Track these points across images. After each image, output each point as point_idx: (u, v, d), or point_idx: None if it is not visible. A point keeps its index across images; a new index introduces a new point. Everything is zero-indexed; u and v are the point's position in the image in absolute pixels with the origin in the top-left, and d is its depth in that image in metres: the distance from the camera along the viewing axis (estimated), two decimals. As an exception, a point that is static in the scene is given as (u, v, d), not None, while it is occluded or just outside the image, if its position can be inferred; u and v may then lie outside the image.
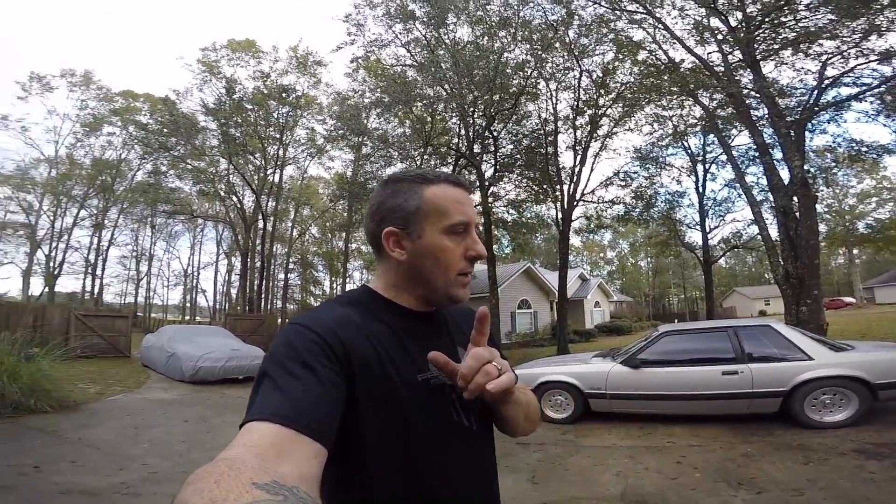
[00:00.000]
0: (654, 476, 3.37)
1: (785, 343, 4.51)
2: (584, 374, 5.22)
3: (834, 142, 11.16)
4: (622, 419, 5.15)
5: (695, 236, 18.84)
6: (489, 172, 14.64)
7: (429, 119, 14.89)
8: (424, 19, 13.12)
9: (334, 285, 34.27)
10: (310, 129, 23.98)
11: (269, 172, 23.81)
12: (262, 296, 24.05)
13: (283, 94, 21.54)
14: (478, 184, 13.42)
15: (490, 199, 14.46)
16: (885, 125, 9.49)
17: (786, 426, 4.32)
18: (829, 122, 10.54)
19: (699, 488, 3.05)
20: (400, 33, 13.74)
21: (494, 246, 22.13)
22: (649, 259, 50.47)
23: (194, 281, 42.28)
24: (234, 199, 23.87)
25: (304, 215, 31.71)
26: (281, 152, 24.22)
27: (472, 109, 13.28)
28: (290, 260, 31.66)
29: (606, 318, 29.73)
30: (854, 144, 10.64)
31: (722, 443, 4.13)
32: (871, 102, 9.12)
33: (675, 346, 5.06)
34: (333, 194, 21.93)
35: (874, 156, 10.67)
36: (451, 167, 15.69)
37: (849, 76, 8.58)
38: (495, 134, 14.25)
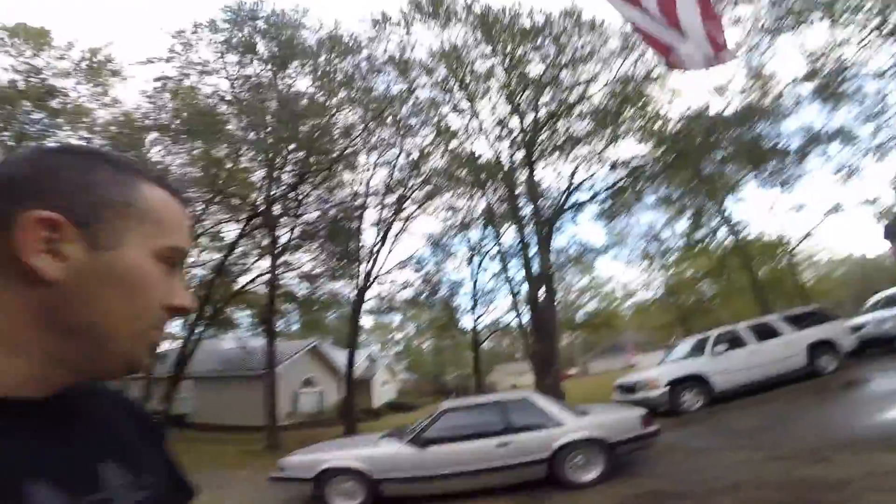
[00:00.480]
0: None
1: (540, 412, 5.20)
2: (372, 458, 4.90)
3: (568, 242, 14.68)
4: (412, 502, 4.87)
5: (468, 321, 21.31)
6: (284, 238, 13.75)
7: (228, 164, 13.24)
8: (266, 57, 12.27)
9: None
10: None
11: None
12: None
13: (46, 96, 15.24)
14: (269, 250, 12.32)
15: (280, 268, 13.60)
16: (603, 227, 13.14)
17: (556, 489, 4.85)
18: (571, 221, 13.82)
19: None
20: (231, 65, 12.37)
21: (281, 322, 20.11)
22: (431, 340, 55.21)
23: None
24: None
25: None
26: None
27: (282, 163, 12.49)
28: None
29: (394, 394, 30.10)
30: (580, 247, 14.52)
31: None
32: (600, 205, 12.82)
33: (455, 421, 5.25)
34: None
35: (591, 257, 14.88)
36: (241, 223, 14.33)
37: (588, 181, 12.17)
38: (300, 197, 13.59)
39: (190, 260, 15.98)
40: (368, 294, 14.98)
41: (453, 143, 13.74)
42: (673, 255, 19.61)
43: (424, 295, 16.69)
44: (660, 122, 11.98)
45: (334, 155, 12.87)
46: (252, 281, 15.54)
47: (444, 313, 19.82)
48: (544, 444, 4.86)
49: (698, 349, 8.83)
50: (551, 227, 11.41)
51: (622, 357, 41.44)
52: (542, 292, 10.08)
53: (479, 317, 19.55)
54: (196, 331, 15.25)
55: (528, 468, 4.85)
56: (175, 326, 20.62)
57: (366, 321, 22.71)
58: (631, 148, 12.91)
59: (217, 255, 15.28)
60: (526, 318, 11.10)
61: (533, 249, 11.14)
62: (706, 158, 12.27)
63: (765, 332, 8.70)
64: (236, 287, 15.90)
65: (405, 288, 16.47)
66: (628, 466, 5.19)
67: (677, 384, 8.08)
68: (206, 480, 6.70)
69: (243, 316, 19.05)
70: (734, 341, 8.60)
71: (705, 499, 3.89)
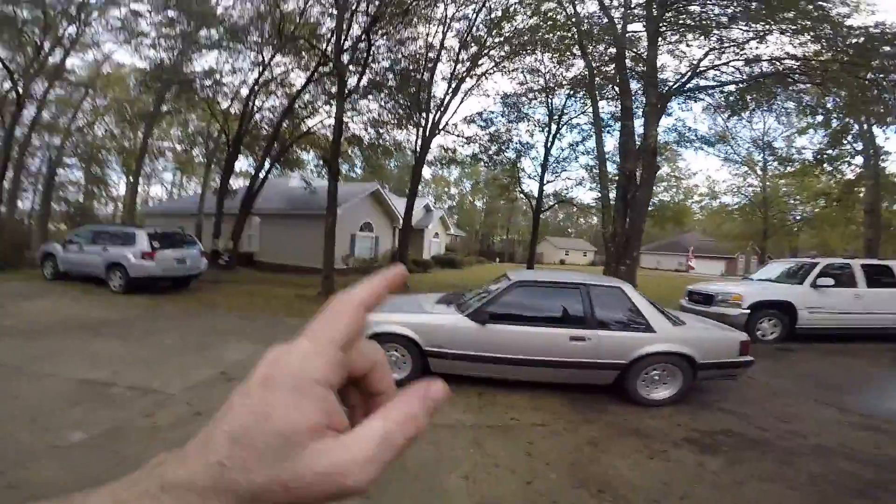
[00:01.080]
0: (508, 479, 2.74)
1: (632, 310, 4.35)
2: (426, 327, 4.33)
3: (674, 125, 13.27)
4: (460, 382, 4.57)
5: (532, 185, 20.57)
6: (352, 82, 13.12)
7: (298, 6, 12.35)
8: None
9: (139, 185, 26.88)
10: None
11: (46, 52, 15.43)
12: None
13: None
14: (337, 95, 11.27)
15: (347, 113, 13.21)
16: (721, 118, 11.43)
17: (614, 401, 4.33)
18: (682, 104, 12.14)
19: (560, 500, 2.48)
20: None
21: (345, 165, 20.16)
22: (485, 200, 55.61)
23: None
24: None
25: (99, 105, 23.13)
26: (73, 29, 15.68)
27: (352, 14, 11.19)
28: (68, 153, 23.14)
29: (443, 249, 31.13)
30: (678, 134, 12.87)
31: (565, 422, 3.87)
32: (725, 97, 10.65)
33: (526, 299, 4.49)
34: (144, 83, 15.79)
35: (696, 146, 13.06)
36: (309, 71, 14.25)
37: (717, 70, 9.44)
38: (371, 47, 12.40)
39: (259, 104, 16.13)
40: (432, 144, 14.43)
41: (547, 5, 11.30)
42: (786, 166, 17.41)
43: (491, 152, 16.27)
44: (833, 28, 8.44)
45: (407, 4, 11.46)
46: (319, 123, 15.89)
47: (508, 174, 19.14)
48: (628, 348, 4.14)
49: (796, 276, 7.67)
50: (666, 102, 9.28)
51: (677, 257, 41.55)
52: (639, 168, 8.47)
53: (546, 183, 18.71)
54: (264, 168, 15.54)
55: (599, 372, 4.25)
56: (244, 163, 22.07)
57: (425, 172, 22.55)
58: (784, 46, 9.54)
59: (286, 101, 15.36)
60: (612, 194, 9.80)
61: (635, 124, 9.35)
62: (878, 81, 9.37)
63: (882, 278, 7.40)
64: (303, 129, 16.14)
65: (470, 143, 16.14)
66: (699, 394, 4.55)
67: (760, 308, 7.11)
68: (256, 330, 6.70)
69: (309, 158, 19.43)
70: (843, 278, 7.30)
71: (787, 457, 3.18)
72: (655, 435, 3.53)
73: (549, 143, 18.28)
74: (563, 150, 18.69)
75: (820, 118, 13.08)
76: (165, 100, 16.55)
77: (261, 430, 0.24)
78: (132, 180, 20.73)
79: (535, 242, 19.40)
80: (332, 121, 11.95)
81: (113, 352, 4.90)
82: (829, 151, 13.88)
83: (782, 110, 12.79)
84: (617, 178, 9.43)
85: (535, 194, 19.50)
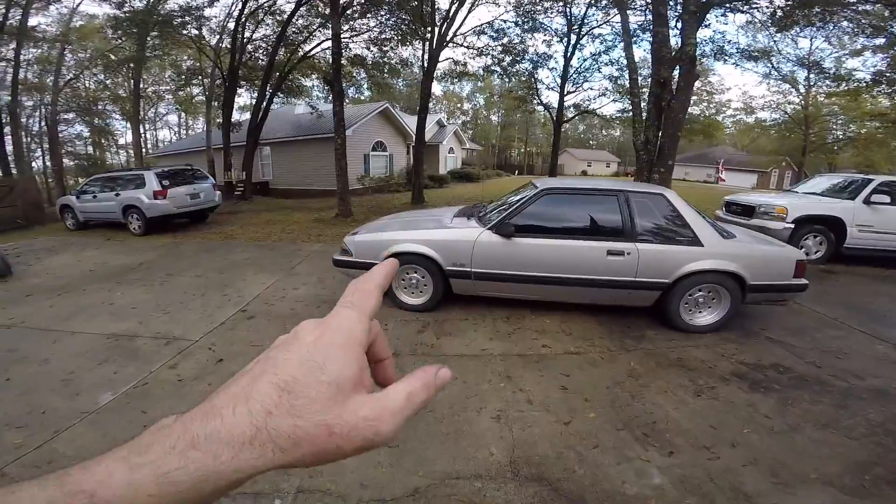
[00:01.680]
0: (543, 420, 2.55)
1: (677, 220, 3.79)
2: (446, 243, 3.96)
3: (711, 37, 12.53)
4: (485, 304, 4.36)
5: (550, 97, 20.34)
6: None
7: None
8: None
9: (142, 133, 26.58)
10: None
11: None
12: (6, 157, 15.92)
13: None
14: (331, 16, 10.20)
15: (347, 33, 12.99)
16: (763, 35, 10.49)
17: (651, 325, 4.05)
18: (720, 16, 11.29)
19: (602, 445, 2.30)
20: None
21: (352, 88, 18.91)
22: (500, 113, 55.20)
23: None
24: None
25: (81, 58, 21.80)
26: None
27: None
28: (63, 108, 22.30)
29: (459, 164, 30.38)
30: (716, 45, 12.20)
31: (600, 349, 3.63)
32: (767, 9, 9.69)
33: (555, 209, 3.99)
34: (120, 29, 14.13)
35: (734, 60, 12.51)
36: None
37: None
38: None
39: (248, 34, 14.98)
40: (440, 57, 13.34)
41: None
42: (839, 85, 16.82)
43: (504, 63, 15.52)
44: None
45: None
46: (316, 46, 15.13)
47: (525, 85, 18.40)
48: (672, 265, 3.69)
49: (846, 191, 6.81)
50: (706, 10, 8.13)
51: (705, 169, 40.34)
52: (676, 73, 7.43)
53: (567, 94, 17.85)
54: (265, 98, 14.69)
55: (639, 292, 3.85)
56: (244, 94, 20.98)
57: (435, 88, 21.61)
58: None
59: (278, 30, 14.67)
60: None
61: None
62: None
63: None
64: (300, 55, 15.36)
65: (481, 55, 15.30)
66: (741, 319, 4.11)
67: (805, 223, 6.40)
68: (274, 260, 6.55)
69: (312, 84, 18.34)
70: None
71: (843, 400, 2.80)
72: (700, 367, 3.24)
73: (569, 54, 17.14)
74: (584, 60, 17.99)
75: (882, 41, 12.36)
76: (147, 44, 15.24)
77: (315, 379, 0.27)
78: (132, 127, 20.17)
79: (557, 153, 18.49)
80: (330, 44, 10.77)
81: (136, 300, 4.88)
82: (889, 74, 13.66)
83: (837, 29, 11.68)
84: (648, 85, 8.36)
85: (555, 105, 18.71)
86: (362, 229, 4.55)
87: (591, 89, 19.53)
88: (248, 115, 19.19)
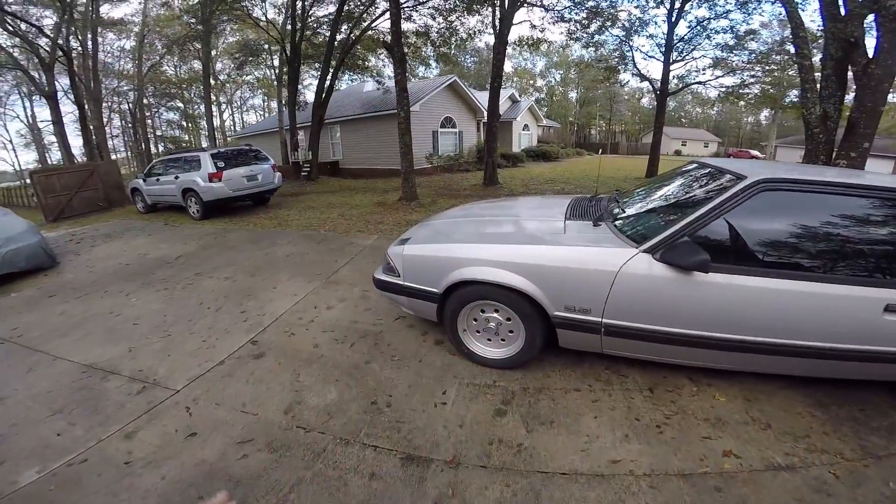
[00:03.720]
0: None
1: None
2: (557, 272, 2.23)
3: None
4: (609, 359, 2.69)
5: (649, 67, 17.78)
6: None
7: None
8: None
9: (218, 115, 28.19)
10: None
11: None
12: (91, 141, 17.24)
13: None
14: None
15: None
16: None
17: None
18: None
19: None
20: None
21: (420, 67, 17.68)
22: (580, 88, 51.87)
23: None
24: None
25: (159, 46, 23.36)
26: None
27: None
28: (147, 95, 24.00)
29: (534, 142, 28.02)
30: None
31: (829, 457, 1.91)
32: None
33: (779, 221, 2.07)
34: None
35: None
36: None
37: None
38: None
39: (309, 7, 14.37)
40: (516, 19, 11.56)
41: None
42: None
43: (592, 29, 13.68)
44: None
45: None
46: (378, 18, 14.02)
47: (615, 55, 16.26)
48: None
49: None
50: None
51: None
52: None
53: (672, 62, 15.18)
54: (328, 75, 13.96)
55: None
56: (309, 73, 20.64)
57: (506, 66, 19.89)
58: None
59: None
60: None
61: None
62: None
63: None
64: (362, 26, 14.35)
65: (562, 20, 13.21)
66: None
67: None
68: (317, 258, 4.73)
69: (379, 59, 17.39)
70: None
71: None
72: None
73: (676, 19, 14.30)
74: (699, 23, 14.51)
75: None
76: (213, 21, 15.12)
77: None
78: (206, 108, 20.92)
79: (661, 130, 15.67)
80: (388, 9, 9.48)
81: (146, 311, 3.96)
82: None
83: None
84: (824, 48, 5.96)
85: (652, 76, 16.30)
86: (418, 232, 3.07)
87: (705, 57, 17.07)
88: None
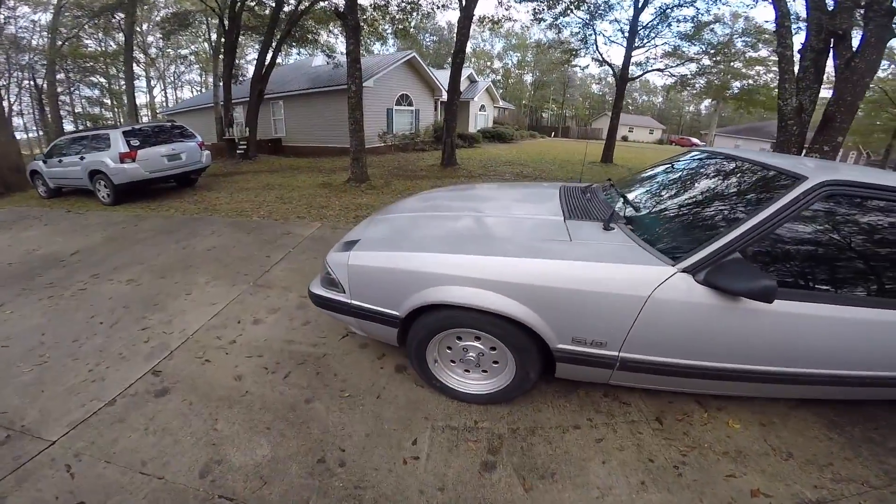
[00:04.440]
0: None
1: None
2: (570, 295, 1.67)
3: None
4: (600, 389, 2.27)
5: (610, 52, 18.09)
6: None
7: None
8: None
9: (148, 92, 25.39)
10: None
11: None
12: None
13: None
14: None
15: None
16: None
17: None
18: None
19: None
20: None
21: (378, 45, 16.63)
22: (535, 72, 53.36)
23: None
24: None
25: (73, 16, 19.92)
26: None
27: None
28: (65, 69, 21.18)
29: (490, 123, 27.71)
30: None
31: (856, 486, 1.73)
32: None
33: (850, 232, 1.67)
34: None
35: None
36: None
37: None
38: None
39: None
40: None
41: None
42: None
43: (557, 10, 13.73)
44: None
45: None
46: None
47: (578, 37, 16.26)
48: None
49: None
50: None
51: (759, 143, 36.57)
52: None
53: (635, 48, 15.36)
54: (270, 45, 12.50)
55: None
56: (254, 47, 18.57)
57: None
58: None
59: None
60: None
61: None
62: None
63: None
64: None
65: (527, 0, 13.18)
66: None
67: None
68: (246, 254, 3.48)
69: (332, 32, 15.85)
70: None
71: None
72: None
73: (641, 5, 14.50)
74: (664, 10, 14.82)
75: None
76: None
77: None
78: (127, 84, 18.36)
79: (619, 114, 15.71)
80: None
81: (19, 329, 3.04)
82: None
83: None
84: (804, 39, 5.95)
85: (611, 61, 16.62)
86: (369, 230, 2.36)
87: (667, 44, 17.08)
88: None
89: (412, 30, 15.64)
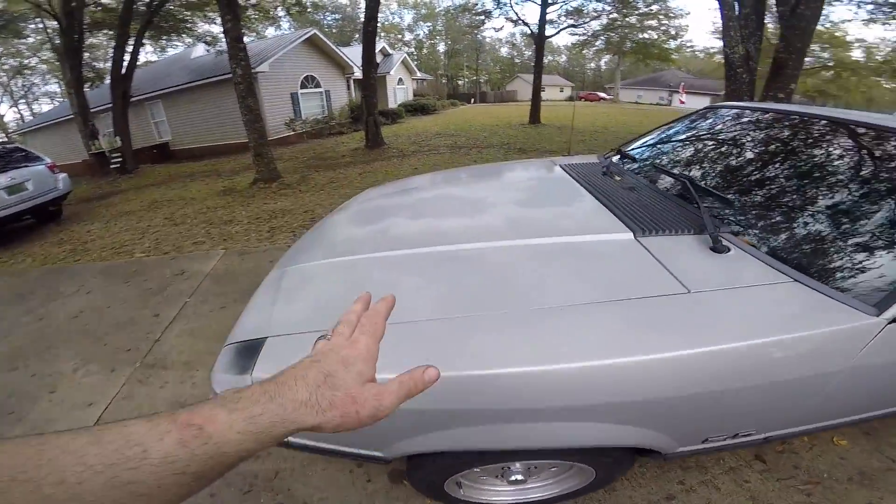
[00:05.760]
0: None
1: None
2: (715, 397, 0.94)
3: None
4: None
5: (526, 10, 17.91)
6: None
7: None
8: None
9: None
10: None
11: None
12: None
13: None
14: None
15: None
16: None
17: None
18: None
19: None
20: None
21: (271, 28, 14.73)
22: (447, 41, 52.97)
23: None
24: None
25: None
26: None
27: None
28: None
29: (410, 96, 26.65)
30: None
31: None
32: None
33: None
34: None
35: None
36: None
37: None
38: None
39: None
40: None
41: None
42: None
43: None
44: None
45: None
46: None
47: None
48: None
49: None
50: None
51: (657, 92, 41.76)
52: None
53: (550, 3, 15.16)
54: (127, 38, 10.56)
55: None
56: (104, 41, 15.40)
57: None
58: None
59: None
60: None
61: None
62: None
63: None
64: None
65: None
66: None
67: None
68: (132, 309, 2.32)
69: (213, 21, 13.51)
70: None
71: None
72: None
73: None
74: None
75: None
76: None
77: (346, 371, 0.39)
78: None
79: (540, 74, 15.22)
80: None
81: None
82: None
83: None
84: None
85: (527, 20, 17.07)
86: (279, 304, 1.29)
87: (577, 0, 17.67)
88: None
89: (308, 9, 13.81)
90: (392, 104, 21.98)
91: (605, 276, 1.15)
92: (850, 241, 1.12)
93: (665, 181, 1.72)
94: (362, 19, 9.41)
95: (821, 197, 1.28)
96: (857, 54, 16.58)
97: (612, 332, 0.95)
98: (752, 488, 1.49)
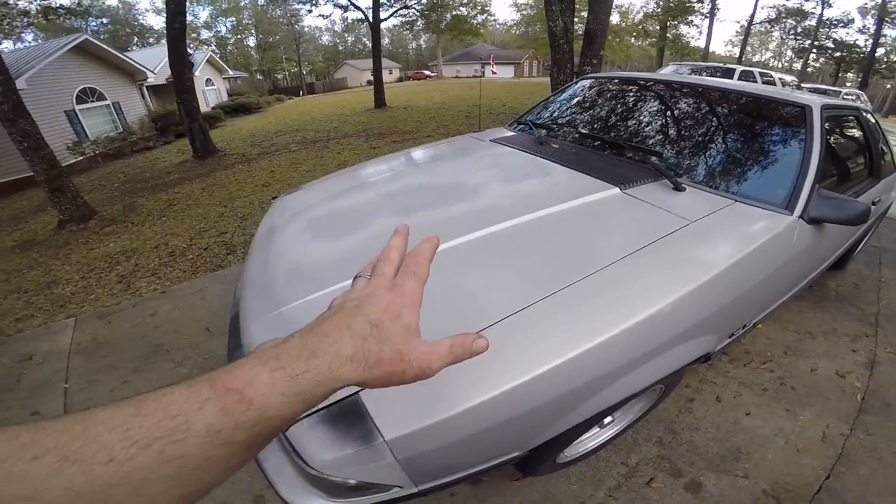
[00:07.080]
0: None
1: None
2: (748, 291, 1.28)
3: None
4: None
5: None
6: None
7: None
8: None
9: None
10: None
11: None
12: None
13: None
14: None
15: None
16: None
17: None
18: None
19: None
20: None
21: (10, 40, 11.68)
22: (258, 35, 49.67)
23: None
24: None
25: None
26: None
27: None
28: None
29: (224, 97, 23.90)
30: None
31: None
32: None
33: None
34: None
35: None
36: None
37: None
38: None
39: None
40: None
41: None
42: None
43: None
44: None
45: None
46: None
47: None
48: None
49: None
50: None
51: (472, 65, 45.41)
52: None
53: None
54: None
55: None
56: None
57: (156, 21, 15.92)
58: None
59: None
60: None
61: None
62: None
63: None
64: None
65: None
66: None
67: None
68: None
69: None
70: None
71: None
72: None
73: None
74: None
75: None
76: None
77: (394, 323, 0.35)
78: None
79: (380, 60, 14.90)
80: None
81: None
82: None
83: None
84: None
85: (357, 3, 15.66)
86: None
87: None
88: None
89: (63, 16, 10.75)
90: (205, 108, 19.25)
91: (627, 227, 1.26)
92: (735, 173, 1.55)
93: (597, 144, 1.91)
94: (139, 21, 7.80)
95: (718, 138, 1.69)
96: (615, 18, 20.73)
97: (676, 267, 1.09)
98: (734, 376, 1.94)
